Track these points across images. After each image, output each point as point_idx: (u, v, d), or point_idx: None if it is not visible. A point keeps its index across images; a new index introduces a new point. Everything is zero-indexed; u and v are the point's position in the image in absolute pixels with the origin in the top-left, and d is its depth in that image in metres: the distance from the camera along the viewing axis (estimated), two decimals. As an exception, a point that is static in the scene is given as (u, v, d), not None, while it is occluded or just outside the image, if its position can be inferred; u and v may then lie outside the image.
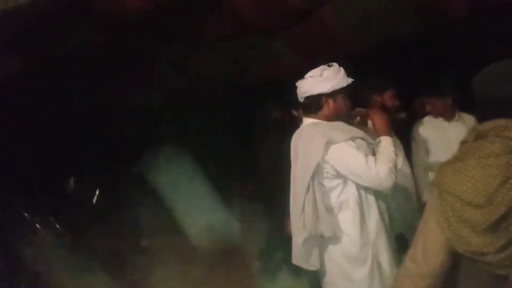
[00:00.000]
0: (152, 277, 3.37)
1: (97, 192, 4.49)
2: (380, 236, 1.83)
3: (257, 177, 3.54)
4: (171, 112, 5.04)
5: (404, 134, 2.62)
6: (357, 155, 1.71)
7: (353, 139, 1.78)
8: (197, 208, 4.14)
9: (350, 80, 1.87)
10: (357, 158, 1.71)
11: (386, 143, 1.82)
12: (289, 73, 2.16)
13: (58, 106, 4.24)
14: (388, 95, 2.45)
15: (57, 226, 3.84)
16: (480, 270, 1.10)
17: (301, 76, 1.92)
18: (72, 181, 4.62)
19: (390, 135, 1.86)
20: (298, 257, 1.85)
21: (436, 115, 2.76)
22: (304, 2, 3.02)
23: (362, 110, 2.11)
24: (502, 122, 1.11)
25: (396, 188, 1.89)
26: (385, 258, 1.83)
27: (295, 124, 2.59)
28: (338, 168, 1.74)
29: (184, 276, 3.33)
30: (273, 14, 3.11)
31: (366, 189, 1.82)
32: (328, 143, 1.72)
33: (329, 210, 1.79)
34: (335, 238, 1.79)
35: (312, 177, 1.75)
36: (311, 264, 1.83)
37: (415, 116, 2.88)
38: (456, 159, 1.15)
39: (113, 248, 3.57)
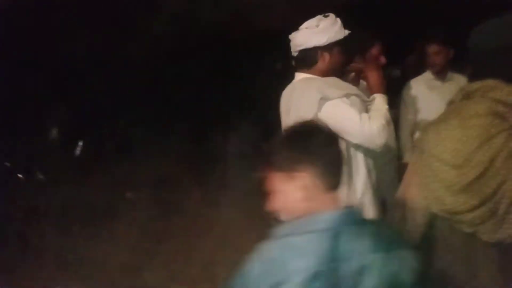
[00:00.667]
0: (136, 229, 3.38)
1: (80, 143, 4.43)
2: (366, 195, 1.82)
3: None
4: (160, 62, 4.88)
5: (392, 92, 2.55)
6: (351, 112, 1.67)
7: (347, 95, 1.71)
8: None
9: (347, 32, 1.77)
10: (351, 115, 1.66)
11: (380, 100, 1.78)
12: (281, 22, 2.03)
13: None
14: (375, 50, 2.28)
15: (40, 176, 3.83)
16: (452, 229, 1.12)
17: (295, 28, 1.79)
18: (55, 131, 4.54)
19: (385, 92, 1.81)
20: None
21: (435, 68, 2.64)
22: None
23: (358, 65, 2.01)
24: (489, 82, 1.10)
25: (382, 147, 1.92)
26: (370, 215, 1.81)
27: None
28: (331, 125, 1.65)
29: (167, 228, 3.37)
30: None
31: (356, 148, 1.78)
32: (322, 100, 1.65)
33: None
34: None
35: None
36: None
37: (406, 76, 2.79)
38: (440, 119, 1.17)
39: (95, 200, 3.55)
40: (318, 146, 0.95)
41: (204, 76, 4.89)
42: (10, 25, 3.38)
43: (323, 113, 1.67)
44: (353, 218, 0.93)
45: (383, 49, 2.29)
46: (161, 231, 3.39)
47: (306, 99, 1.70)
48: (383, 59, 2.28)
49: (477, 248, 1.11)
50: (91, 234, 3.20)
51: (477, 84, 1.13)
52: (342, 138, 1.70)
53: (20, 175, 3.72)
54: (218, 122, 4.67)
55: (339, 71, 1.84)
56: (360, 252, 0.86)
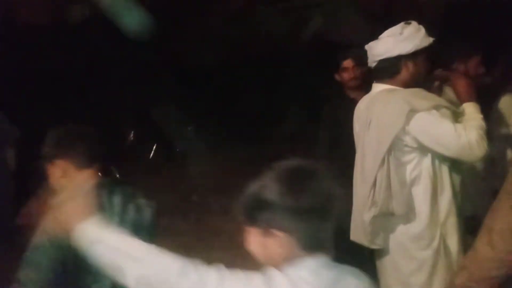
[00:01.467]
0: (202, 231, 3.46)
1: (154, 147, 4.66)
2: (451, 216, 1.69)
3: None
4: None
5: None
6: (445, 124, 1.58)
7: (437, 107, 1.61)
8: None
9: (431, 40, 1.66)
10: (445, 127, 1.57)
11: (473, 110, 1.67)
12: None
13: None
14: (473, 62, 2.13)
15: (117, 175, 4.08)
16: None
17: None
18: (131, 135, 4.84)
19: (476, 101, 1.70)
20: (361, 235, 1.72)
21: None
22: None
23: (443, 72, 1.88)
24: None
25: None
26: (453, 241, 1.69)
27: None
28: (422, 139, 1.59)
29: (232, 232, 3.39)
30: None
31: (441, 163, 1.67)
32: (412, 112, 1.56)
33: (402, 185, 1.64)
34: (404, 216, 1.66)
35: (389, 150, 1.61)
36: (376, 243, 1.70)
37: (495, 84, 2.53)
38: None
39: (165, 201, 3.71)
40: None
41: (268, 84, 4.93)
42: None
43: (413, 126, 1.58)
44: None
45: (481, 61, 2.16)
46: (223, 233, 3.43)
47: (391, 111, 1.60)
48: (481, 70, 2.15)
49: None
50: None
51: None
52: (425, 153, 1.62)
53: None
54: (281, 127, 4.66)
55: (422, 81, 1.73)
56: None
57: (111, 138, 4.36)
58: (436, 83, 1.94)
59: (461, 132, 1.56)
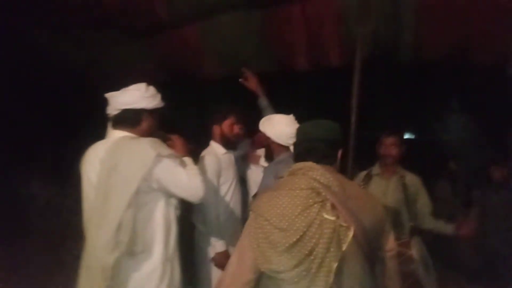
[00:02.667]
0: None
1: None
2: (177, 251, 1.91)
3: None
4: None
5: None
6: (180, 169, 1.81)
7: (173, 155, 1.86)
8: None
9: (163, 103, 1.96)
10: (181, 171, 1.80)
11: (190, 162, 1.97)
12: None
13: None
14: (227, 124, 2.55)
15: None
16: (276, 285, 1.27)
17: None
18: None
19: (190, 156, 2.03)
20: (100, 280, 1.69)
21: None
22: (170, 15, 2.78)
23: (162, 132, 2.10)
24: (309, 164, 1.36)
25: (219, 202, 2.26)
26: (177, 273, 1.90)
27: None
28: (164, 181, 1.78)
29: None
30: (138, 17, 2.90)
31: (170, 205, 1.89)
32: (158, 156, 1.74)
33: (144, 226, 1.78)
34: (142, 255, 1.78)
35: (136, 192, 1.71)
36: (117, 285, 1.75)
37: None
38: (272, 189, 1.36)
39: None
40: None
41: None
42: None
43: (158, 170, 1.75)
44: None
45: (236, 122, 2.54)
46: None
47: (140, 155, 1.73)
48: (236, 130, 2.55)
49: None
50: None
51: (300, 164, 1.38)
52: (161, 195, 1.82)
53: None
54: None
55: (152, 135, 1.95)
56: None
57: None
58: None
59: (192, 176, 1.82)
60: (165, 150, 1.81)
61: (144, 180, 1.73)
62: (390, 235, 1.44)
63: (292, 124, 2.18)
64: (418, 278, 1.93)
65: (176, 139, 2.10)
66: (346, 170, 2.98)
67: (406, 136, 9.86)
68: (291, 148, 2.08)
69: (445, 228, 2.63)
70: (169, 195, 1.86)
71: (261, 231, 1.28)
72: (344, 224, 1.24)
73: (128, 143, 1.80)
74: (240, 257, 1.35)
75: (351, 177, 2.91)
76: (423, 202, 2.69)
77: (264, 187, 2.05)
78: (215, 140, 2.57)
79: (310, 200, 1.26)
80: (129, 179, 1.71)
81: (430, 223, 2.65)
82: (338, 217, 1.25)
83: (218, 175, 2.43)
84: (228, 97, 3.19)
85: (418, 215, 2.68)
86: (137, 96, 1.86)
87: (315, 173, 1.32)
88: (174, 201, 1.91)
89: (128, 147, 1.77)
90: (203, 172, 2.35)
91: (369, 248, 1.29)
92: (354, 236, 1.25)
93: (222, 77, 3.60)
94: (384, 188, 2.70)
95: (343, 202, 1.28)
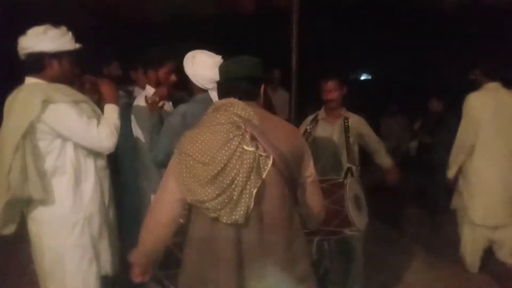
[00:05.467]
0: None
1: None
2: (95, 201, 1.89)
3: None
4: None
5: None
6: (78, 117, 1.76)
7: (76, 101, 1.80)
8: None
9: (78, 45, 1.85)
10: (78, 119, 1.76)
11: (111, 109, 1.94)
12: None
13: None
14: (164, 71, 2.44)
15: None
16: (202, 214, 1.36)
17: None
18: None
19: (116, 103, 1.98)
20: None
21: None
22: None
23: (91, 77, 2.04)
24: (231, 99, 1.40)
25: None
26: (96, 223, 1.90)
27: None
28: (58, 128, 1.75)
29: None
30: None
31: (86, 155, 1.87)
32: (46, 102, 1.70)
33: (42, 173, 1.77)
34: (47, 202, 1.79)
35: (24, 136, 1.70)
36: (6, 228, 1.81)
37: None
38: (196, 127, 1.40)
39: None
40: None
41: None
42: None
43: (48, 116, 1.72)
44: None
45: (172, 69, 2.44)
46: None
47: (28, 100, 1.71)
48: (172, 78, 2.44)
49: (220, 227, 1.34)
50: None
51: (222, 101, 1.42)
52: (68, 144, 1.80)
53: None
54: None
55: (69, 81, 1.89)
56: None
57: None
58: (87, 85, 2.09)
59: (92, 126, 1.79)
60: (62, 96, 1.74)
61: (34, 127, 1.71)
62: (310, 162, 1.50)
63: (215, 68, 2.00)
64: (348, 215, 2.03)
65: (102, 84, 2.00)
66: (290, 113, 3.06)
67: (364, 77, 10.02)
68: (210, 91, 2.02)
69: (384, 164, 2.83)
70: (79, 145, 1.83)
71: (185, 166, 1.34)
72: (263, 154, 1.32)
73: (26, 90, 1.77)
74: (166, 188, 1.44)
75: (294, 121, 2.99)
76: (370, 140, 2.81)
77: (168, 125, 2.00)
78: (150, 85, 2.48)
79: (231, 134, 1.32)
80: (17, 124, 1.70)
81: (378, 159, 2.82)
82: (257, 148, 1.31)
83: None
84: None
85: (372, 153, 2.83)
86: (34, 39, 1.76)
87: (236, 108, 1.37)
88: (89, 152, 1.87)
89: (23, 93, 1.75)
90: (139, 119, 2.32)
91: (289, 174, 1.37)
92: (273, 164, 1.33)
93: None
94: (329, 131, 2.79)
95: (262, 133, 1.34)
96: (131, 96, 2.81)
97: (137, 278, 1.56)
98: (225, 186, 1.28)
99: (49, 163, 1.79)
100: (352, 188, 2.14)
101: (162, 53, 2.49)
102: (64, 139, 1.79)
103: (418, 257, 3.54)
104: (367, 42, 6.21)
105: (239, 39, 4.05)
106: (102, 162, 1.96)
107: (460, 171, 3.06)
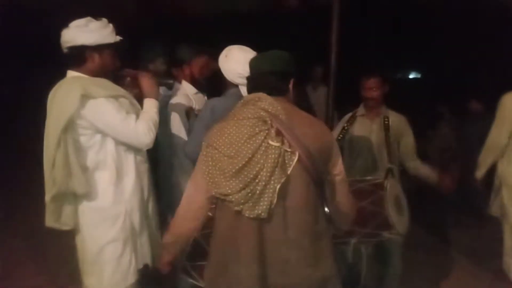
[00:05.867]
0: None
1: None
2: (136, 195, 1.90)
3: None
4: None
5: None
6: (116, 111, 1.75)
7: (115, 96, 1.80)
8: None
9: (118, 38, 1.85)
10: (115, 114, 1.75)
11: (150, 104, 1.92)
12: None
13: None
14: (197, 65, 2.44)
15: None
16: (226, 208, 1.36)
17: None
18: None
19: (156, 98, 1.96)
20: (49, 217, 1.80)
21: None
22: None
23: (131, 70, 2.01)
24: (259, 94, 1.39)
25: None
26: (137, 217, 1.91)
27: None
28: (96, 123, 1.76)
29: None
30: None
31: (126, 149, 1.88)
32: (85, 97, 1.70)
33: (84, 167, 1.79)
34: (90, 196, 1.81)
35: (64, 131, 1.71)
36: (64, 223, 1.82)
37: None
38: (223, 120, 1.42)
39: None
40: None
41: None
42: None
43: (87, 111, 1.72)
44: None
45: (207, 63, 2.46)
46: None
47: (68, 95, 1.71)
48: (205, 72, 2.45)
49: (243, 222, 1.33)
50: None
51: (251, 96, 1.42)
52: (107, 138, 1.80)
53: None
54: None
55: (111, 74, 1.90)
56: None
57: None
58: (128, 79, 2.06)
59: (130, 121, 1.77)
60: (100, 91, 1.74)
61: (73, 122, 1.73)
62: (339, 160, 1.46)
63: (246, 63, 2.03)
64: (387, 217, 1.94)
65: (142, 78, 1.97)
66: (327, 110, 2.99)
67: (412, 75, 9.59)
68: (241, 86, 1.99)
69: (429, 174, 2.62)
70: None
71: (211, 159, 1.35)
72: (289, 149, 1.30)
73: (66, 83, 1.78)
74: (194, 182, 1.46)
75: (331, 116, 2.92)
76: (407, 141, 2.66)
77: (199, 120, 2.03)
78: (186, 80, 2.51)
79: (256, 129, 1.31)
80: (57, 119, 1.71)
81: (414, 164, 2.65)
82: (283, 143, 1.29)
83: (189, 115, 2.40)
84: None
85: (402, 154, 2.67)
86: (76, 32, 1.75)
87: (264, 103, 1.36)
88: (129, 147, 1.88)
89: (64, 88, 1.75)
90: (174, 115, 2.34)
91: (315, 171, 1.34)
92: (299, 160, 1.30)
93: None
94: (368, 129, 2.68)
95: (289, 129, 1.32)
96: (172, 90, 2.88)
97: (164, 266, 1.60)
98: (249, 180, 1.28)
99: (90, 158, 1.81)
100: (393, 189, 2.05)
101: (195, 47, 2.47)
102: (104, 134, 1.80)
103: (459, 266, 3.34)
104: (418, 41, 5.95)
105: (280, 35, 4.04)
106: (142, 157, 1.97)
107: (494, 175, 2.86)
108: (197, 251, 1.66)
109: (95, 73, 1.82)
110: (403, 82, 8.72)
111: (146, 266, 1.99)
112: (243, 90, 1.97)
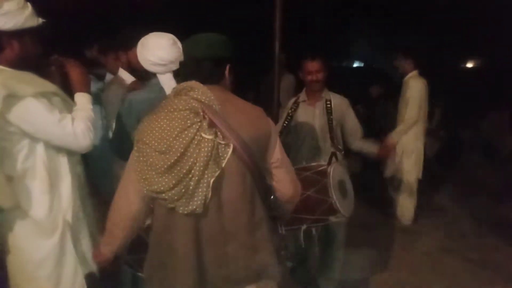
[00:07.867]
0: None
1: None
2: (73, 200, 1.71)
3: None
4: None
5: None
6: (48, 112, 1.52)
7: (44, 94, 1.55)
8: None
9: (41, 21, 1.59)
10: (48, 115, 1.52)
11: (84, 100, 1.69)
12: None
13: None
14: (135, 52, 2.00)
15: None
16: (160, 205, 1.33)
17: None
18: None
19: (88, 92, 1.73)
20: None
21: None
22: None
23: (59, 58, 1.77)
24: (191, 83, 1.31)
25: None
26: (76, 222, 1.73)
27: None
28: (25, 127, 1.51)
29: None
30: None
31: (58, 152, 1.65)
32: (10, 97, 1.45)
33: (8, 177, 1.54)
34: (19, 209, 1.59)
35: None
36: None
37: None
38: (153, 113, 1.31)
39: None
40: None
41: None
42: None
43: (13, 113, 1.47)
44: None
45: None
46: None
47: None
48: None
49: (178, 217, 1.29)
50: None
51: (183, 85, 1.32)
52: (37, 142, 1.57)
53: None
54: None
55: (33, 63, 1.63)
56: None
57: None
58: (53, 68, 1.78)
59: (67, 122, 1.55)
60: (28, 88, 1.49)
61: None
62: (276, 147, 1.43)
63: (159, 50, 1.85)
64: (332, 203, 2.00)
65: (71, 66, 1.72)
66: (273, 97, 3.00)
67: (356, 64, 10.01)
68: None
69: (370, 148, 2.74)
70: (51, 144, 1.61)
71: (142, 155, 1.29)
72: (223, 142, 1.26)
73: None
74: (123, 185, 1.40)
75: (277, 103, 2.93)
76: (350, 123, 2.71)
77: (118, 115, 1.90)
78: (123, 68, 2.37)
79: (188, 121, 1.25)
80: None
81: (358, 144, 2.73)
82: (216, 135, 1.25)
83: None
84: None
85: (348, 136, 2.72)
86: None
87: (196, 92, 1.29)
88: (63, 152, 1.67)
89: None
90: (111, 108, 2.16)
91: (252, 162, 1.32)
92: (234, 151, 1.27)
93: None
94: (311, 114, 2.69)
95: (223, 119, 1.27)
96: (102, 81, 2.67)
97: (101, 261, 1.54)
98: (182, 175, 1.23)
99: (17, 166, 1.56)
100: (336, 175, 2.09)
101: (133, 34, 2.12)
102: (33, 138, 1.57)
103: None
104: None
105: (229, 19, 3.92)
106: (76, 157, 1.77)
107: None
108: (138, 243, 1.60)
109: (16, 64, 1.56)
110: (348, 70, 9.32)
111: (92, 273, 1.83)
112: (162, 79, 1.88)
